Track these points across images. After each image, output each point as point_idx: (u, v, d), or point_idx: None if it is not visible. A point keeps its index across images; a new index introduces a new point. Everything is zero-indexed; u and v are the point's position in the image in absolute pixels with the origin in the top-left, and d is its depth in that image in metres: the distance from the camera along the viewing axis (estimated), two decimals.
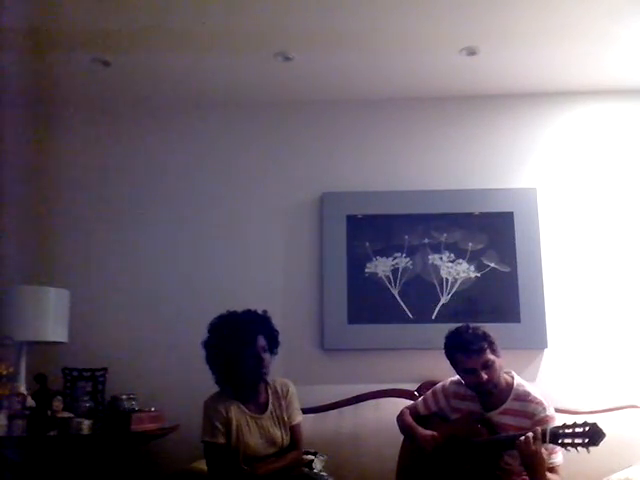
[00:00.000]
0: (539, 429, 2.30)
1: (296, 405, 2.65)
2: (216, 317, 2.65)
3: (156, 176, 3.65)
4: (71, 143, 3.69)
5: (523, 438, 2.29)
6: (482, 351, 2.48)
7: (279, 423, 2.58)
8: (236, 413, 2.54)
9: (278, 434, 2.56)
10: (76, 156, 3.68)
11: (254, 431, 2.53)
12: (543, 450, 2.30)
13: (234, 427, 2.51)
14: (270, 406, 2.60)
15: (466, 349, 2.50)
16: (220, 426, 2.50)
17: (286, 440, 2.57)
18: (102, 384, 3.10)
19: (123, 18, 2.88)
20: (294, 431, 2.60)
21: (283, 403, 2.61)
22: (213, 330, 2.63)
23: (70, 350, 3.24)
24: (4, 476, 2.83)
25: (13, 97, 3.47)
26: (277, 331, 2.65)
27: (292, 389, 2.67)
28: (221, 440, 2.49)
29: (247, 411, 2.56)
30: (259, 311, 2.65)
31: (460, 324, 2.62)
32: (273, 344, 2.63)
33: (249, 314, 2.62)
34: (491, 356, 2.49)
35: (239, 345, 2.53)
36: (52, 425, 2.84)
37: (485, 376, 2.47)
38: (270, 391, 2.63)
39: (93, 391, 3.08)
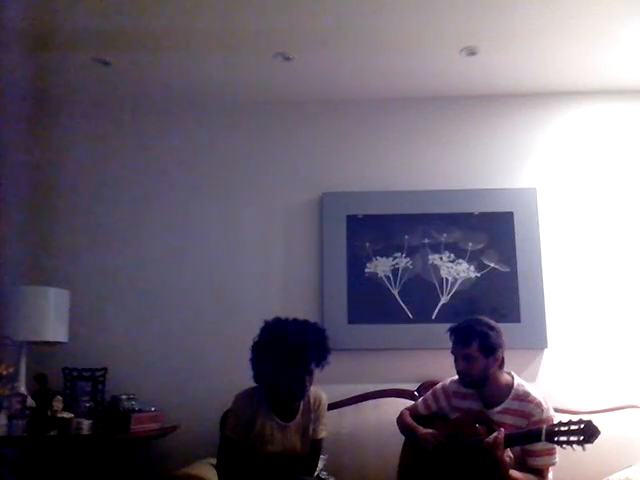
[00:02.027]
0: (502, 434, 2.34)
1: (324, 420, 2.59)
2: (274, 322, 2.53)
3: (156, 176, 3.65)
4: (71, 143, 3.69)
5: (487, 441, 2.34)
6: (466, 344, 2.53)
7: (303, 434, 2.53)
8: (263, 417, 2.49)
9: (299, 444, 2.52)
10: (76, 156, 3.68)
11: (276, 438, 2.49)
12: (506, 455, 2.35)
13: (256, 430, 2.47)
14: (299, 415, 2.54)
15: (454, 335, 2.59)
16: (242, 425, 2.47)
17: (305, 450, 2.53)
18: (102, 384, 3.11)
19: (123, 18, 2.88)
20: (315, 445, 2.56)
21: (312, 416, 2.55)
22: (265, 338, 2.52)
23: (70, 350, 3.24)
24: (4, 476, 2.83)
25: (13, 97, 3.47)
26: (330, 348, 2.55)
27: (324, 402, 2.61)
28: (238, 437, 2.47)
29: (275, 417, 2.51)
30: (317, 325, 2.56)
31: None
32: (323, 360, 2.53)
33: (307, 331, 2.50)
34: (476, 352, 2.51)
35: (288, 369, 2.44)
36: (52, 425, 2.84)
37: (460, 367, 2.55)
38: (302, 400, 2.56)
39: (93, 391, 3.08)
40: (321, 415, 2.58)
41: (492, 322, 2.60)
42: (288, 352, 2.42)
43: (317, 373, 2.56)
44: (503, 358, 2.57)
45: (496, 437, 2.35)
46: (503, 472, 2.34)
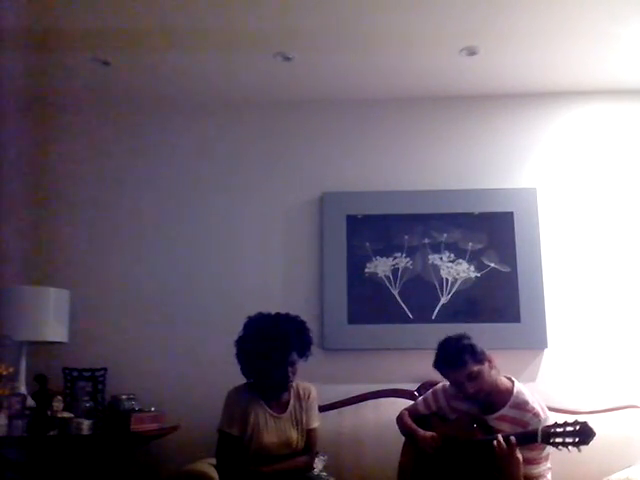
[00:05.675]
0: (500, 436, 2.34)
1: (315, 411, 2.68)
2: (255, 317, 2.65)
3: (156, 176, 3.65)
4: (71, 143, 3.69)
5: (496, 441, 2.33)
6: (464, 365, 2.48)
7: (297, 425, 2.60)
8: (256, 409, 2.58)
9: (294, 436, 2.58)
10: (76, 156, 3.68)
11: (271, 430, 2.56)
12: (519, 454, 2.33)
13: (251, 423, 2.55)
14: (290, 407, 2.63)
15: (449, 364, 2.54)
16: (237, 419, 2.54)
17: (301, 443, 2.60)
18: (102, 384, 3.10)
19: (123, 18, 2.88)
20: (310, 435, 2.63)
21: (304, 405, 2.64)
22: (247, 332, 2.63)
23: (70, 350, 3.24)
24: (4, 476, 2.83)
25: (13, 97, 3.47)
26: (312, 339, 2.67)
27: (314, 394, 2.70)
28: (235, 432, 2.54)
29: (268, 409, 2.60)
30: (298, 318, 2.66)
31: (455, 332, 2.63)
32: (306, 350, 2.65)
33: (287, 323, 2.61)
34: (475, 367, 2.48)
35: (270, 359, 2.54)
36: (52, 425, 2.84)
37: (471, 389, 2.49)
38: (292, 392, 2.66)
39: (93, 391, 3.08)
40: (312, 405, 2.67)
41: (459, 333, 2.60)
42: (268, 343, 2.53)
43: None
44: (491, 357, 2.56)
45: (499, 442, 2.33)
46: (517, 470, 2.32)
